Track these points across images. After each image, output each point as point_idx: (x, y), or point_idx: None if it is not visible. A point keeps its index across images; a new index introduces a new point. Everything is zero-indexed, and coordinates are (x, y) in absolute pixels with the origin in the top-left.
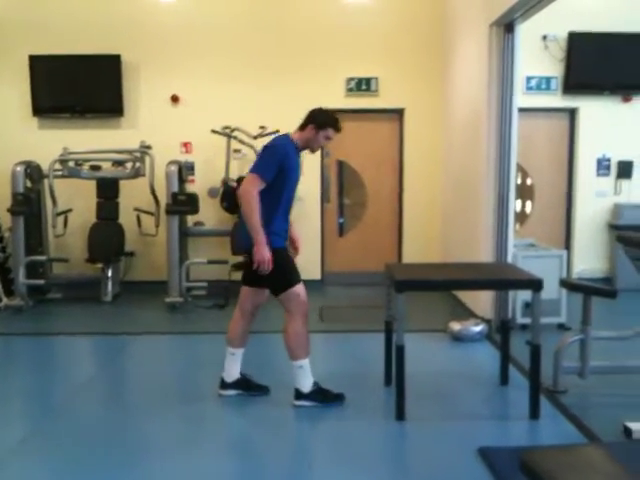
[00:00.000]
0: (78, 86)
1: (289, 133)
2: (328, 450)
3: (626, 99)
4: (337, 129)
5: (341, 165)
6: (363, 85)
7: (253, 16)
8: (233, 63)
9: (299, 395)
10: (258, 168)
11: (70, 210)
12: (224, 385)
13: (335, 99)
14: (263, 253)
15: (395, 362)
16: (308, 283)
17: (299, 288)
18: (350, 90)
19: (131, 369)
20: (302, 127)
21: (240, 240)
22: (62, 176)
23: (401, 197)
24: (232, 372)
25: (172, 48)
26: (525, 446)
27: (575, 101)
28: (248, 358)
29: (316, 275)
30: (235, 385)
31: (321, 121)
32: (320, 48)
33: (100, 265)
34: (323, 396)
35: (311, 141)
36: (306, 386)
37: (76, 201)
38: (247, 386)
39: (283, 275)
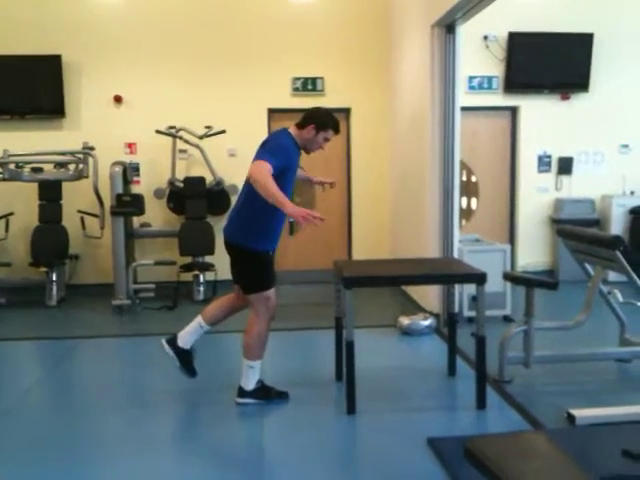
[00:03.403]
0: (18, 87)
1: (288, 129)
2: (279, 445)
3: (564, 97)
4: (337, 131)
5: None
6: (309, 85)
7: (197, 15)
8: (177, 62)
9: (242, 393)
10: (267, 157)
11: (11, 213)
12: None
13: (281, 99)
14: (294, 210)
15: (345, 357)
16: None
17: (271, 292)
18: (296, 90)
19: (78, 373)
20: (301, 125)
21: (226, 234)
22: (2, 179)
23: (349, 195)
24: (186, 338)
25: (114, 48)
26: (472, 435)
27: (516, 100)
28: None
29: None
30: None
31: (322, 121)
32: (266, 48)
33: (44, 269)
34: (266, 394)
35: (309, 141)
36: (250, 384)
37: (17, 204)
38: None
39: (259, 277)
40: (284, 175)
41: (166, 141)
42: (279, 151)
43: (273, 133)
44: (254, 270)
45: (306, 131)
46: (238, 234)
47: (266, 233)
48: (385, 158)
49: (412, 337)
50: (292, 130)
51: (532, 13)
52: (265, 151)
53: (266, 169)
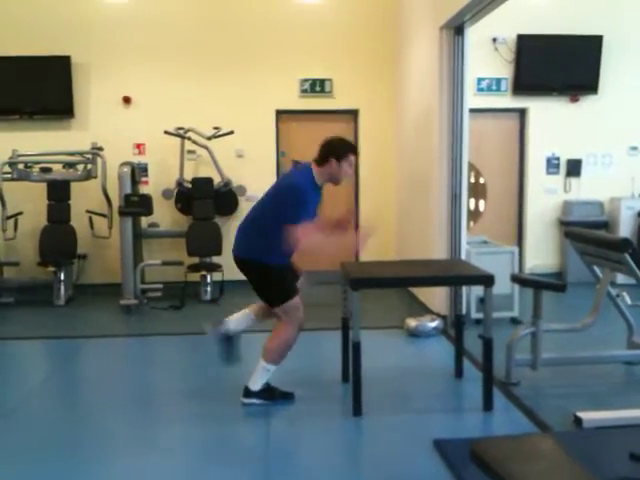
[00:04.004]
0: (27, 88)
1: (309, 166)
2: (286, 446)
3: (573, 99)
4: (356, 153)
5: (297, 165)
6: (317, 86)
7: (206, 16)
8: (186, 63)
9: (248, 393)
10: (295, 218)
11: (20, 213)
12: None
13: (289, 100)
14: (349, 226)
15: (352, 359)
16: None
17: (297, 301)
18: (304, 91)
19: (85, 372)
20: (321, 162)
21: (237, 252)
22: (12, 179)
23: (357, 196)
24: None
25: (123, 49)
26: (478, 437)
27: (525, 101)
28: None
29: None
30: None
31: (341, 151)
32: (274, 49)
33: (52, 268)
34: (271, 394)
35: (335, 173)
36: (258, 385)
37: (26, 204)
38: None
39: (280, 289)
40: (301, 209)
41: (174, 142)
42: (296, 198)
43: (294, 177)
44: (272, 283)
45: (329, 166)
46: (249, 249)
47: (283, 252)
48: (393, 159)
49: (419, 339)
50: (313, 168)
51: (541, 15)
52: (285, 206)
53: (310, 232)
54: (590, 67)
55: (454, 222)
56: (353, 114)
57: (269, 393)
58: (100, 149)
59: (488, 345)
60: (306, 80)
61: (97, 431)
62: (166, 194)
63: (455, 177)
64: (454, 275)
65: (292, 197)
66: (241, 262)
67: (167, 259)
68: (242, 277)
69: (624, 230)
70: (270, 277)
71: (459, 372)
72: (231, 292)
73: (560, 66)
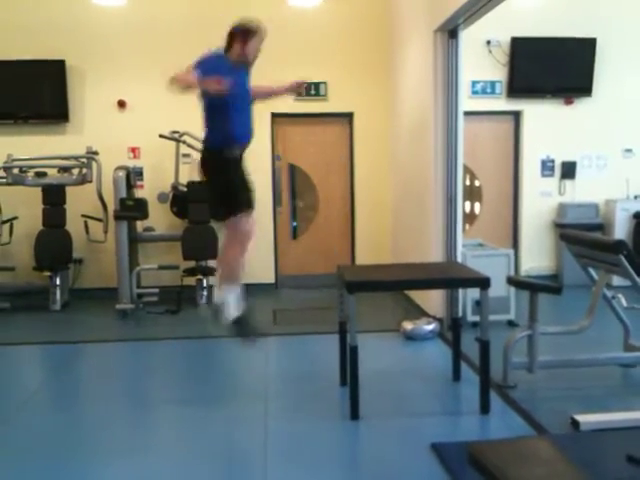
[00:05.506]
0: (21, 92)
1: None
2: (284, 449)
3: (568, 102)
4: (253, 30)
5: (293, 169)
6: (312, 89)
7: (201, 20)
8: (180, 67)
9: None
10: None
11: (15, 218)
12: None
13: (284, 103)
14: (207, 83)
15: (349, 362)
16: (262, 286)
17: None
18: (299, 94)
19: (82, 377)
20: (227, 49)
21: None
22: (7, 183)
23: (352, 199)
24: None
25: (118, 52)
26: (475, 440)
27: (519, 104)
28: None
29: (270, 278)
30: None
31: (238, 31)
32: (268, 52)
33: (48, 273)
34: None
35: (242, 55)
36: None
37: (21, 208)
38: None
39: (247, 194)
40: (225, 96)
41: (169, 145)
42: (198, 61)
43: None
44: (240, 177)
45: (234, 49)
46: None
47: (233, 134)
48: (388, 162)
49: (415, 342)
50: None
51: (535, 18)
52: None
53: (189, 72)
54: (584, 70)
55: (450, 225)
56: (348, 117)
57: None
58: (95, 153)
59: (485, 348)
60: None
61: (94, 435)
62: (161, 198)
63: (450, 180)
64: (450, 278)
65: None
66: (212, 155)
67: (163, 263)
68: None
69: (619, 232)
70: (238, 172)
71: (456, 375)
72: None
73: (554, 69)
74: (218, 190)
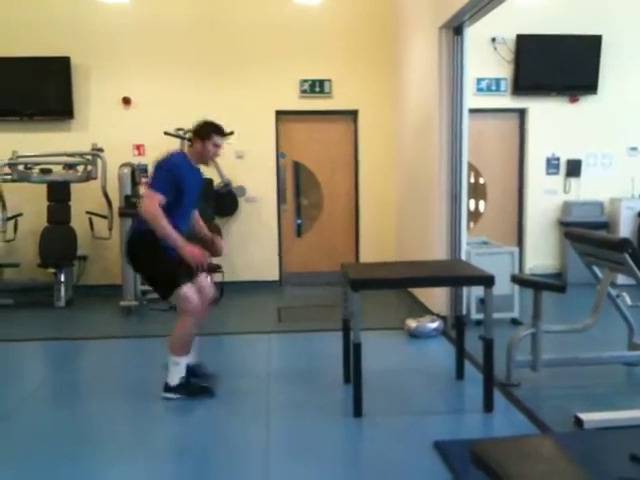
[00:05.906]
0: (26, 89)
1: (183, 151)
2: (286, 447)
3: (573, 99)
4: (222, 134)
5: (297, 166)
6: (317, 87)
7: (205, 17)
8: (185, 64)
9: (167, 387)
10: (155, 186)
11: (20, 214)
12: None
13: (289, 101)
14: (190, 251)
15: (352, 360)
16: (266, 284)
17: (187, 288)
18: (304, 92)
19: (85, 373)
20: (191, 143)
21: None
22: (12, 180)
23: (357, 197)
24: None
25: (123, 50)
26: (479, 438)
27: (524, 102)
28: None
29: (274, 276)
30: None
31: (204, 132)
32: (273, 50)
33: (52, 270)
34: (189, 390)
35: (202, 153)
36: (175, 380)
37: (26, 205)
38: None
39: (166, 277)
40: (181, 190)
41: (174, 143)
42: (166, 172)
43: (166, 155)
44: (159, 271)
45: (196, 146)
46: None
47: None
48: (392, 160)
49: (419, 339)
50: (187, 150)
51: (540, 15)
52: (154, 177)
53: (156, 202)
54: (589, 67)
55: (454, 222)
56: (353, 114)
57: (187, 389)
58: (100, 150)
59: (488, 346)
60: (306, 81)
61: (97, 432)
62: None
63: (455, 177)
64: (454, 276)
65: (157, 166)
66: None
67: None
68: (242, 278)
69: (624, 230)
70: (158, 267)
71: (459, 373)
72: (231, 293)
73: (559, 66)
74: (146, 273)
